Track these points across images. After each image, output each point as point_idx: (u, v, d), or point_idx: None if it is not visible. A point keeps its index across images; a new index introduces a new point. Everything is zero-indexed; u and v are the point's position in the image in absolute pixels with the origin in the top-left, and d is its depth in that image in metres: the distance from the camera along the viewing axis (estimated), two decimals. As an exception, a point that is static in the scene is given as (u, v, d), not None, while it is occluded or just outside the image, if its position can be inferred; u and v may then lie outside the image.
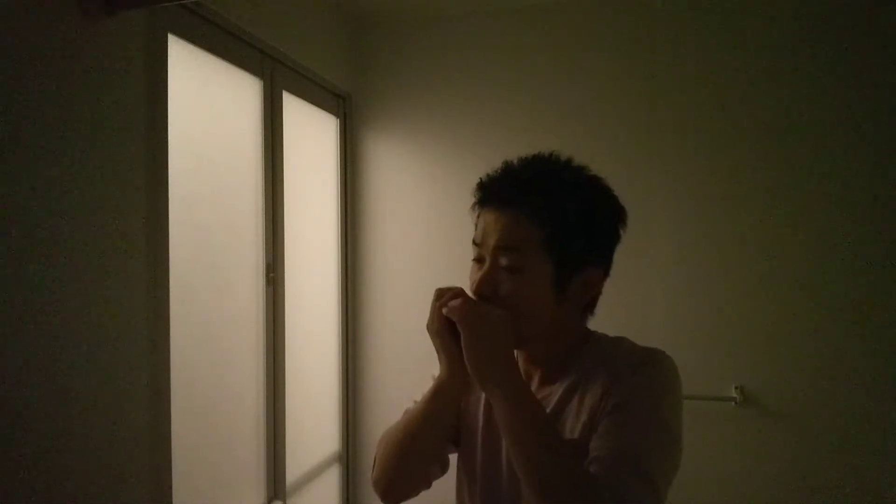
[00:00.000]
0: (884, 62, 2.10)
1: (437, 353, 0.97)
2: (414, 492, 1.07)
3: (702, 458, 2.15)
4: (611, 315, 1.07)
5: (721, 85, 2.23)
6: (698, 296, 2.25)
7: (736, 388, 2.20)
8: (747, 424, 2.20)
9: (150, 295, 1.44)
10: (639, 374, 0.92)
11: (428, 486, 1.08)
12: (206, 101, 1.75)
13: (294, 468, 2.14)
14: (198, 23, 1.67)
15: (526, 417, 0.87)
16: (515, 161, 1.00)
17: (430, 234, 2.51)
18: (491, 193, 0.99)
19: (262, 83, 1.99)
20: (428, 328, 0.97)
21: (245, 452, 1.91)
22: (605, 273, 1.00)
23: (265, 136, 1.99)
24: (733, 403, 2.19)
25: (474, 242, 1.00)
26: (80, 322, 1.25)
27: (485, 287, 0.95)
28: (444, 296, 0.95)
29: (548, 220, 0.92)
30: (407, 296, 2.53)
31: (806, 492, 2.15)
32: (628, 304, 2.23)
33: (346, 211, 2.57)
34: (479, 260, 0.98)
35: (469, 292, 0.97)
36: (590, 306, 1.03)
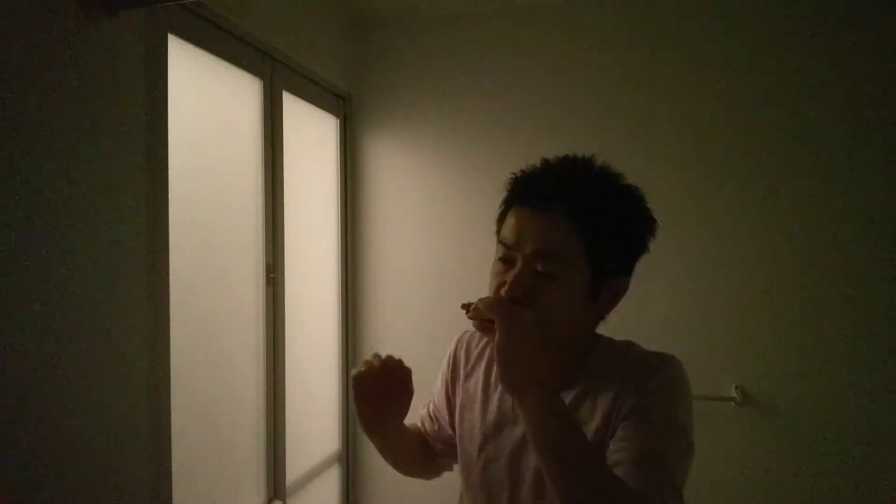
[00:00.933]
0: (884, 61, 2.10)
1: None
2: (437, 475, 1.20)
3: (701, 459, 2.13)
4: (611, 315, 1.07)
5: (722, 85, 2.23)
6: (698, 296, 2.25)
7: (736, 388, 2.20)
8: (747, 424, 2.20)
9: (150, 295, 1.44)
10: (653, 379, 0.92)
11: (439, 475, 1.21)
12: (206, 101, 1.75)
13: (294, 468, 2.14)
14: (198, 23, 1.67)
15: (561, 424, 0.84)
16: (552, 160, 0.97)
17: (431, 233, 2.51)
18: (527, 191, 0.95)
19: (262, 83, 1.99)
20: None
21: (245, 452, 1.91)
22: (629, 277, 0.99)
23: (265, 136, 1.99)
24: (733, 403, 2.19)
25: (503, 242, 0.95)
26: (79, 322, 1.25)
27: (517, 290, 0.90)
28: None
29: (589, 226, 0.89)
30: (407, 295, 2.53)
31: (805, 492, 2.15)
32: (629, 304, 2.21)
33: (346, 211, 2.57)
34: (506, 260, 0.94)
35: (489, 290, 0.95)
36: (605, 314, 1.02)
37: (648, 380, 0.92)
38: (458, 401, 1.10)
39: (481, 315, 0.88)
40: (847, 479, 2.11)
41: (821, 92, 2.15)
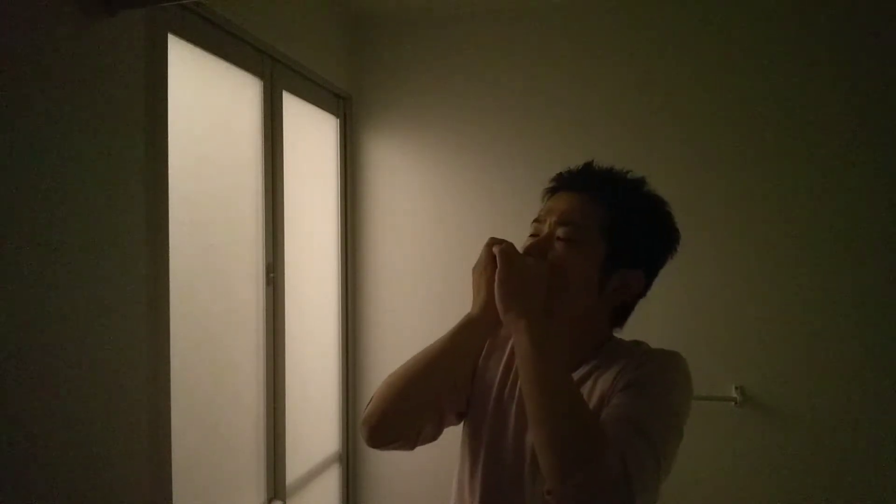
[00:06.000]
0: (884, 61, 2.10)
1: (475, 291, 1.00)
2: (399, 439, 1.04)
3: (702, 458, 2.15)
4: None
5: (721, 85, 2.23)
6: (698, 296, 2.25)
7: (736, 388, 2.20)
8: (747, 424, 2.20)
9: (150, 295, 1.44)
10: (653, 362, 0.97)
11: (413, 445, 1.06)
12: (206, 100, 1.75)
13: (294, 468, 2.14)
14: (198, 23, 1.67)
15: (544, 351, 0.89)
16: (596, 162, 1.07)
17: (431, 234, 2.51)
18: (567, 181, 1.05)
19: (262, 83, 1.99)
20: (474, 269, 1.01)
21: (245, 452, 1.91)
22: (647, 285, 1.05)
23: (265, 136, 1.99)
24: (733, 403, 2.19)
25: (536, 220, 1.04)
26: (79, 322, 1.25)
27: (535, 250, 0.99)
28: (496, 243, 0.99)
29: (613, 209, 0.98)
30: (407, 296, 2.53)
31: (806, 492, 2.15)
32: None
33: (346, 211, 2.57)
34: (535, 236, 1.03)
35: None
36: (621, 316, 1.07)
37: (647, 363, 0.96)
38: (478, 373, 1.12)
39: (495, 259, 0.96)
40: (847, 478, 2.11)
41: (823, 90, 2.15)
